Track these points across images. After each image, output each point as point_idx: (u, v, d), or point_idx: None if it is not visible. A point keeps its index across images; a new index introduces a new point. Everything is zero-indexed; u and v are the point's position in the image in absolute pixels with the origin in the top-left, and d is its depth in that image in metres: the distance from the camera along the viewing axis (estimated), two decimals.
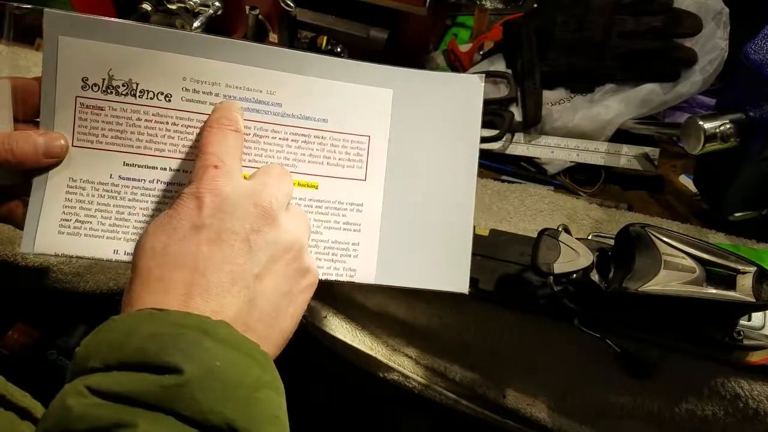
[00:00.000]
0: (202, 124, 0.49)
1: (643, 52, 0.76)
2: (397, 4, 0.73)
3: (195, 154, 0.47)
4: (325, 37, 0.79)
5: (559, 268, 0.53)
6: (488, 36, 0.86)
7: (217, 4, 0.76)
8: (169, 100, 0.50)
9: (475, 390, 0.64)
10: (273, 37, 0.80)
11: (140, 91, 0.49)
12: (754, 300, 0.50)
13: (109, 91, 0.49)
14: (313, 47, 0.79)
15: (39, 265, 0.66)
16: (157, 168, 0.49)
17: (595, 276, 0.54)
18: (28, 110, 0.49)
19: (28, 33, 0.88)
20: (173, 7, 0.76)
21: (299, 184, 0.52)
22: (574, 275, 0.54)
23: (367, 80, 0.55)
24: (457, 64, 0.85)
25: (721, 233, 0.67)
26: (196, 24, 0.74)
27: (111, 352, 0.36)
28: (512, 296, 0.59)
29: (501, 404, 0.64)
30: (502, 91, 0.78)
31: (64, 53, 0.49)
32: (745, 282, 0.50)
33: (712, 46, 0.75)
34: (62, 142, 0.48)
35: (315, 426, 0.66)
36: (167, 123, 0.50)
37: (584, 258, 0.53)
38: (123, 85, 0.49)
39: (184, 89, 0.50)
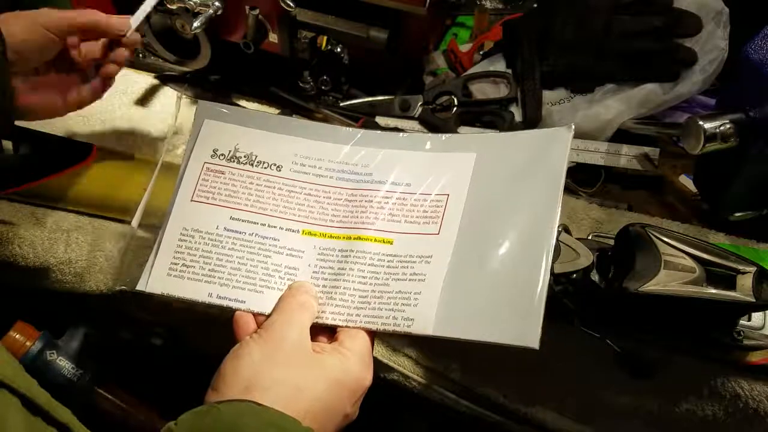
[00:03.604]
0: (303, 190, 0.59)
1: (643, 52, 0.76)
2: (397, 4, 0.73)
3: (293, 214, 0.57)
4: (325, 37, 0.79)
5: (559, 268, 0.53)
6: (488, 36, 0.86)
7: (217, 4, 0.75)
8: (280, 170, 0.59)
9: (475, 390, 0.64)
10: (273, 37, 0.80)
11: (257, 162, 0.59)
12: (754, 300, 0.50)
13: (232, 159, 0.59)
14: (313, 47, 0.79)
15: (39, 265, 0.66)
16: (257, 224, 0.57)
17: (595, 276, 0.54)
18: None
19: None
20: (173, 7, 0.76)
21: (375, 240, 0.56)
22: (574, 275, 0.54)
23: (450, 148, 0.59)
24: (457, 65, 0.85)
25: (721, 233, 0.67)
26: (196, 24, 0.74)
27: None
28: None
29: (501, 404, 0.64)
30: (502, 91, 0.78)
31: (205, 131, 0.60)
32: (745, 282, 0.50)
33: (712, 46, 0.75)
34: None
35: None
36: (274, 187, 0.58)
37: (584, 258, 0.53)
38: (244, 157, 0.59)
39: (293, 162, 0.60)
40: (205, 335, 0.68)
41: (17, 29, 0.57)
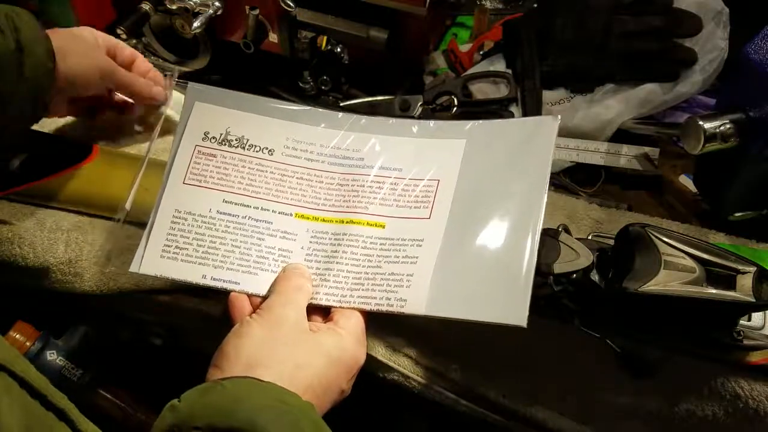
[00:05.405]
0: (295, 174, 0.59)
1: (643, 52, 0.76)
2: (397, 4, 0.73)
3: (286, 197, 0.58)
4: (325, 37, 0.79)
5: (559, 268, 0.53)
6: (488, 36, 0.86)
7: (217, 4, 0.76)
8: (272, 154, 0.59)
9: (475, 390, 0.64)
10: (273, 37, 0.80)
11: (249, 145, 0.59)
12: (754, 300, 0.50)
13: (223, 143, 0.59)
14: (313, 47, 0.79)
15: (39, 265, 0.66)
16: (250, 207, 0.57)
17: (595, 276, 0.54)
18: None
19: None
20: (173, 7, 0.76)
21: (368, 224, 0.56)
22: (574, 275, 0.54)
23: (440, 134, 0.60)
24: (457, 65, 0.85)
25: (721, 233, 0.67)
26: (196, 24, 0.74)
27: (220, 417, 0.41)
28: None
29: (501, 404, 0.64)
30: (502, 91, 0.78)
31: (195, 113, 0.60)
32: (745, 282, 0.50)
33: (712, 46, 0.75)
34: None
35: None
36: (266, 171, 0.59)
37: (584, 258, 0.53)
38: (236, 140, 0.59)
39: (284, 146, 0.60)
40: (205, 335, 0.68)
41: (74, 61, 0.59)
